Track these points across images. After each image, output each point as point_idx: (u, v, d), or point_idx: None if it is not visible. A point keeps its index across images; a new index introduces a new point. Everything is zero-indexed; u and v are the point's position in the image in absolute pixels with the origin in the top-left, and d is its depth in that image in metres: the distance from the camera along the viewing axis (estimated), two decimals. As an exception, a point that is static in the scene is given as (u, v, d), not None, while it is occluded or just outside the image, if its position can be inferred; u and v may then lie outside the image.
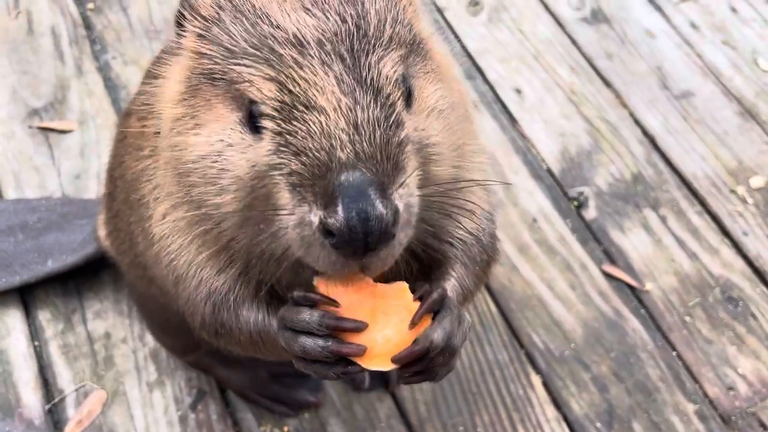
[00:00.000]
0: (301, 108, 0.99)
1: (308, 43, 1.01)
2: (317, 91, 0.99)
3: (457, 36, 2.60)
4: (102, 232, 1.76)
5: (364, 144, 0.98)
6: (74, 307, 2.00)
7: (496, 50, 2.57)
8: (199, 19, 1.09)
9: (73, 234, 2.02)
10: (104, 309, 2.00)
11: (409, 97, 1.06)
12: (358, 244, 0.96)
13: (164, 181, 1.23)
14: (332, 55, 1.00)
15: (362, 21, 1.03)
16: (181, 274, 1.25)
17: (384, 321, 1.06)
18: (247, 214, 1.07)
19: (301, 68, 1.00)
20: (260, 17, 1.04)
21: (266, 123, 1.01)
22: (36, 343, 1.95)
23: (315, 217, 0.97)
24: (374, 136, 0.98)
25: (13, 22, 2.57)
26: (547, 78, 2.50)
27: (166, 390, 1.88)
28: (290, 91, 1.00)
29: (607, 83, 2.50)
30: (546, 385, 1.92)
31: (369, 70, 1.01)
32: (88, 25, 2.58)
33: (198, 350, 1.80)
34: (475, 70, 2.52)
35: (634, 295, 2.06)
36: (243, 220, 1.08)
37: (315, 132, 0.98)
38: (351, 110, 0.98)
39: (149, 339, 1.94)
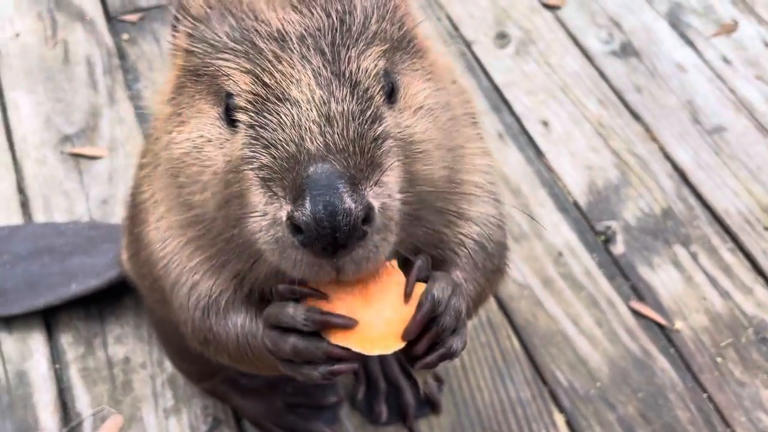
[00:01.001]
0: (274, 100, 0.97)
1: (290, 38, 0.99)
2: (292, 83, 0.97)
3: (484, 69, 2.60)
4: (124, 256, 1.77)
5: (336, 136, 0.95)
6: (96, 331, 2.01)
7: (523, 83, 2.56)
8: (189, 18, 1.10)
9: (98, 258, 2.04)
10: (125, 334, 2.01)
11: (392, 93, 1.03)
12: (327, 239, 0.92)
13: (162, 184, 1.22)
14: (312, 50, 0.98)
15: (347, 16, 1.01)
16: (175, 278, 1.23)
17: (380, 303, 1.02)
18: (226, 214, 1.04)
19: (280, 61, 0.98)
20: (246, 13, 1.03)
21: (240, 116, 1.00)
22: (57, 366, 1.96)
23: (283, 212, 0.94)
24: (347, 129, 0.95)
25: (50, 51, 2.64)
26: (575, 111, 2.48)
27: (182, 417, 1.87)
28: (265, 84, 0.98)
29: (637, 117, 2.46)
30: (570, 424, 1.85)
31: (348, 63, 0.98)
32: (122, 55, 2.64)
33: (214, 377, 1.79)
34: (502, 102, 2.51)
35: (663, 334, 1.99)
36: (227, 220, 1.06)
37: (286, 124, 0.96)
38: (324, 102, 0.96)
39: (168, 365, 1.93)
